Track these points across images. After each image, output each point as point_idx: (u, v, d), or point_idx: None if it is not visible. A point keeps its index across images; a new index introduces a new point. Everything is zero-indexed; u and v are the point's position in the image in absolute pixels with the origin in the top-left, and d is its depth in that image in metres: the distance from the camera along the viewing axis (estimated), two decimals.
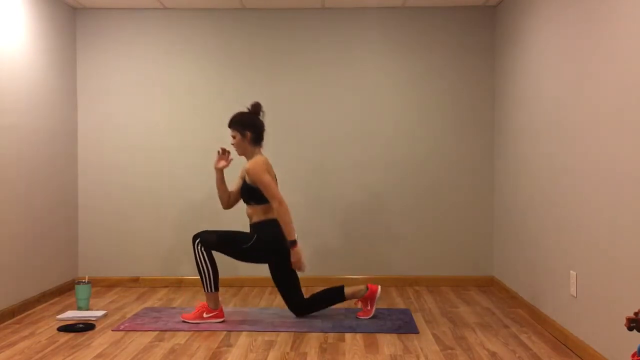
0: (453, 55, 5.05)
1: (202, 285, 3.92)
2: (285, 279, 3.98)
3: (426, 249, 5.09)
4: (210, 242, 3.88)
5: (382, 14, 5.06)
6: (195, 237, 3.89)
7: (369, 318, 3.99)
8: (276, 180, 4.02)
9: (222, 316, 3.93)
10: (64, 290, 4.82)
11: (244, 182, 3.93)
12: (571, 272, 3.36)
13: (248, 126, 3.94)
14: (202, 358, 3.22)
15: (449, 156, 5.07)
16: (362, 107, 5.08)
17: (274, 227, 3.92)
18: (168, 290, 4.96)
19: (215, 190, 4.99)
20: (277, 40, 5.08)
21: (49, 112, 4.61)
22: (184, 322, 3.89)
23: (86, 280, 4.36)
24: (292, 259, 3.85)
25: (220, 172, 4.05)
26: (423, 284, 5.07)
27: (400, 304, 4.45)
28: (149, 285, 5.08)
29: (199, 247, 3.87)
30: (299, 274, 4.57)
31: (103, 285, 5.07)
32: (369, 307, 4.02)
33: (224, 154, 4.07)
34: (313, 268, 5.08)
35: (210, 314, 3.89)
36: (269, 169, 3.91)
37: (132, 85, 5.08)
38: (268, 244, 3.91)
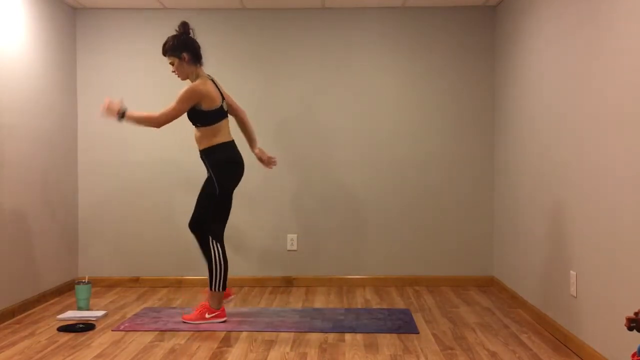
0: (453, 55, 5.06)
1: (209, 284, 3.86)
2: (220, 205, 3.89)
3: (426, 248, 5.09)
4: (215, 227, 3.86)
5: (382, 14, 5.06)
6: (204, 234, 3.86)
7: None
8: (224, 98, 3.90)
9: (224, 316, 3.92)
10: (64, 290, 4.82)
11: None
12: (571, 272, 3.36)
13: (182, 48, 3.81)
14: (202, 358, 3.22)
15: (449, 156, 5.07)
16: (361, 107, 5.08)
17: (222, 152, 3.85)
18: (168, 290, 4.96)
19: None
20: (277, 40, 5.08)
21: (49, 112, 4.61)
22: (185, 323, 3.88)
23: (86, 280, 4.36)
24: (108, 106, 3.70)
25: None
26: (423, 284, 5.07)
27: (400, 304, 4.45)
28: (149, 285, 5.08)
29: (214, 244, 3.84)
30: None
31: (103, 285, 5.07)
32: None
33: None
34: (313, 268, 5.08)
35: (213, 314, 3.87)
36: (207, 90, 3.76)
37: (132, 85, 5.08)
38: (222, 164, 3.84)
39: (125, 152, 5.10)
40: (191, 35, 3.90)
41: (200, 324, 3.85)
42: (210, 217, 3.89)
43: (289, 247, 5.08)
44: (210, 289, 3.88)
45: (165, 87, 5.08)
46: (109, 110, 3.72)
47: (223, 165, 3.86)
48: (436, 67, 5.06)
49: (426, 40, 5.06)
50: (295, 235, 5.08)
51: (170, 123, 5.09)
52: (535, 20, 4.00)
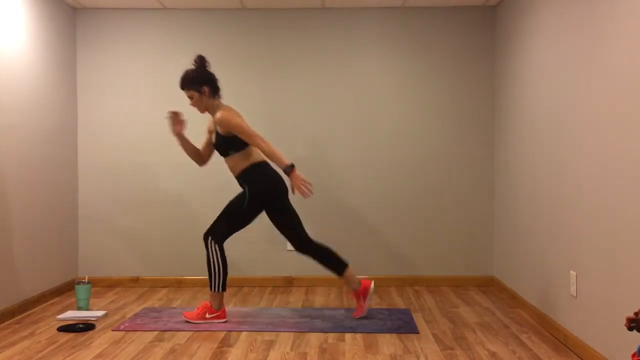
0: (453, 55, 5.06)
1: (209, 285, 3.88)
2: (287, 219, 3.92)
3: (426, 249, 5.09)
4: (222, 230, 3.85)
5: (382, 14, 5.06)
6: (206, 235, 3.87)
7: (366, 316, 3.97)
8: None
9: (225, 317, 3.92)
10: (64, 290, 4.82)
11: (217, 134, 3.85)
12: (571, 272, 3.36)
13: (202, 81, 3.84)
14: (202, 358, 3.22)
15: (449, 156, 5.07)
16: (361, 107, 5.08)
17: (261, 168, 3.88)
18: (168, 290, 4.96)
19: (216, 190, 5.00)
20: (277, 40, 5.08)
21: (49, 111, 4.61)
22: (186, 321, 3.88)
23: (86, 280, 4.36)
24: (294, 183, 3.68)
25: (179, 136, 3.96)
26: (423, 284, 5.07)
27: (400, 304, 4.45)
28: (149, 285, 5.08)
29: (212, 245, 3.85)
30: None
31: (103, 285, 5.07)
32: (361, 303, 3.99)
33: (176, 116, 3.94)
34: (313, 268, 5.08)
35: (213, 315, 3.88)
36: (238, 115, 3.85)
37: (132, 85, 5.09)
38: (262, 186, 3.84)
39: (125, 152, 5.10)
40: (208, 67, 3.93)
41: (200, 323, 3.85)
42: (223, 219, 3.89)
43: (289, 247, 5.08)
44: (210, 289, 3.89)
45: (165, 87, 5.08)
46: (299, 185, 3.69)
47: (265, 182, 3.86)
48: (436, 67, 5.06)
49: (426, 40, 5.06)
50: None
51: (169, 123, 5.11)
52: (535, 20, 4.00)
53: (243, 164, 3.88)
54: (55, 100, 4.71)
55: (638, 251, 2.63)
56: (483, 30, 5.05)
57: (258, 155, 3.93)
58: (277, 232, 5.08)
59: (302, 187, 3.69)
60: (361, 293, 4.00)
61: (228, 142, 3.84)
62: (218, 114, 3.79)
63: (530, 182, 4.07)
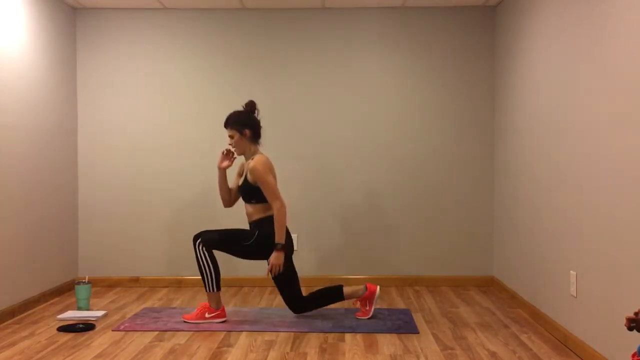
0: (453, 55, 5.05)
1: (203, 286, 3.91)
2: (285, 275, 3.97)
3: (426, 249, 5.09)
4: (212, 241, 3.87)
5: (382, 14, 5.06)
6: (196, 238, 3.89)
7: (368, 318, 3.99)
8: (276, 178, 4.01)
9: (224, 316, 3.93)
10: (64, 290, 4.82)
11: (246, 180, 3.91)
12: (571, 272, 3.36)
13: (246, 124, 3.94)
14: (202, 358, 3.22)
15: (449, 156, 5.07)
16: (361, 107, 5.08)
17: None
18: (168, 290, 4.96)
19: (216, 190, 4.99)
20: (277, 40, 5.08)
21: (49, 111, 4.61)
22: (185, 322, 3.88)
23: (86, 280, 4.36)
24: (273, 261, 3.81)
25: (223, 171, 4.04)
26: (423, 284, 5.07)
27: (400, 304, 4.45)
28: (149, 285, 5.08)
29: (200, 247, 3.86)
30: (298, 273, 4.55)
31: (103, 285, 5.07)
32: (367, 307, 4.01)
33: (227, 154, 4.05)
34: (313, 268, 5.08)
35: (212, 314, 3.89)
36: (271, 169, 3.91)
37: (132, 85, 5.08)
38: (270, 240, 3.89)
39: (125, 152, 5.09)
40: (255, 114, 4.00)
41: (200, 323, 3.85)
42: (220, 233, 3.90)
43: None
44: (205, 290, 3.91)
45: (165, 87, 5.09)
46: (278, 265, 3.81)
47: (272, 236, 3.86)
48: (436, 67, 5.06)
49: (426, 40, 5.06)
50: (295, 235, 5.08)
51: (170, 123, 5.11)
52: (535, 20, 4.00)
53: (260, 214, 3.93)
54: (55, 100, 4.71)
55: (638, 251, 2.63)
56: (483, 30, 5.04)
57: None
58: None
59: (276, 268, 3.81)
60: (367, 298, 4.02)
61: (254, 190, 3.88)
62: (252, 162, 3.84)
63: (530, 182, 4.07)
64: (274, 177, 3.95)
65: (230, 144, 3.97)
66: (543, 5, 3.84)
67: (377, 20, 5.06)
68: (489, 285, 5.05)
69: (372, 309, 4.01)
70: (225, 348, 3.39)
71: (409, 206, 5.08)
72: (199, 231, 3.96)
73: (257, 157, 3.90)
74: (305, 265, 5.08)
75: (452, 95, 5.06)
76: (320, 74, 5.07)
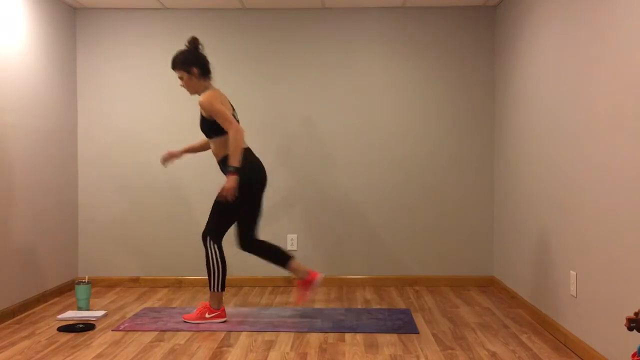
0: (453, 55, 5.05)
1: (208, 284, 3.88)
2: (251, 211, 3.88)
3: (426, 248, 5.09)
4: (219, 230, 3.85)
5: (382, 14, 5.06)
6: (205, 235, 3.86)
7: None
8: (234, 110, 3.94)
9: (225, 316, 3.92)
10: (64, 290, 4.82)
11: (202, 117, 3.86)
12: (571, 272, 3.36)
13: (192, 63, 3.83)
14: (202, 358, 3.22)
15: (449, 156, 5.07)
16: (361, 107, 5.08)
17: (245, 155, 3.83)
18: (168, 290, 4.96)
19: (215, 188, 5.00)
20: (277, 40, 5.08)
21: (49, 112, 4.61)
22: (185, 322, 3.88)
23: (86, 280, 4.36)
24: (225, 184, 3.68)
25: (178, 157, 4.10)
26: (423, 284, 5.07)
27: (400, 304, 4.45)
28: (149, 285, 5.08)
29: (211, 245, 3.84)
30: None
31: (103, 285, 5.07)
32: (305, 292, 4.01)
33: (169, 159, 4.11)
34: (313, 268, 5.08)
35: (213, 314, 3.88)
36: (222, 100, 3.82)
37: (132, 85, 5.08)
38: (245, 177, 3.79)
39: (125, 152, 5.10)
40: (200, 50, 3.92)
41: (200, 323, 3.85)
42: (216, 220, 3.88)
43: (289, 247, 5.08)
44: (210, 289, 3.89)
45: (165, 86, 5.08)
46: (230, 190, 3.70)
47: (247, 169, 3.81)
48: (436, 67, 5.06)
49: (426, 40, 5.06)
50: (295, 235, 5.08)
51: (170, 123, 5.11)
52: (535, 20, 4.00)
53: (225, 150, 3.85)
54: (55, 100, 4.71)
55: (638, 251, 2.63)
56: (483, 30, 5.04)
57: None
58: (278, 232, 5.08)
59: (229, 193, 3.70)
60: (307, 283, 4.01)
61: (210, 125, 3.82)
62: (201, 97, 3.79)
63: (531, 182, 4.07)
64: (229, 109, 3.86)
65: (181, 85, 3.91)
66: (543, 5, 3.84)
67: (377, 20, 5.06)
68: (489, 285, 5.05)
69: (309, 295, 4.01)
70: (225, 348, 3.39)
71: (409, 206, 5.08)
72: (204, 229, 3.91)
73: (206, 92, 3.83)
74: (305, 265, 5.07)
75: (452, 95, 5.06)
76: (320, 73, 5.07)
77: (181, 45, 5.05)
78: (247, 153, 3.88)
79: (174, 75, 5.06)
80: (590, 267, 3.11)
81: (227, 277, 5.03)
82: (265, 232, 5.07)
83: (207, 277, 3.93)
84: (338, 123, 5.08)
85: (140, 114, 5.10)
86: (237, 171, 3.73)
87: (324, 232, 5.09)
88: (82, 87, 5.10)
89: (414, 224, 5.09)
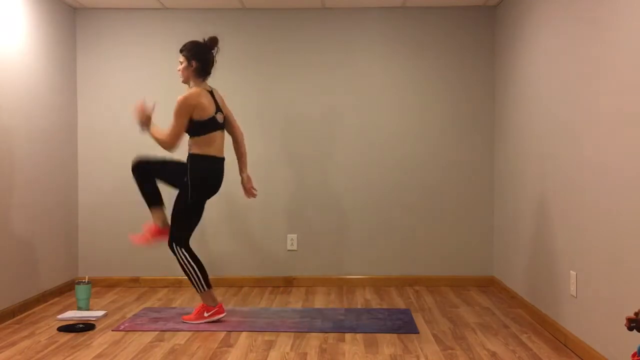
0: (453, 55, 5.05)
1: (194, 288, 3.89)
2: (188, 212, 3.91)
3: (426, 248, 5.09)
4: (183, 234, 3.87)
5: (382, 14, 5.06)
6: (170, 243, 3.89)
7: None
8: (219, 110, 3.89)
9: (223, 311, 3.92)
10: (64, 290, 4.81)
11: None
12: (571, 272, 3.35)
13: (196, 56, 3.83)
14: (202, 358, 3.22)
15: (449, 156, 5.07)
16: (361, 107, 5.08)
17: (206, 164, 3.85)
18: (168, 290, 4.96)
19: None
20: (277, 40, 5.08)
21: (49, 111, 4.61)
22: (185, 323, 3.88)
23: (86, 280, 4.36)
24: (139, 110, 3.79)
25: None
26: (423, 284, 5.07)
27: (400, 304, 4.45)
28: (149, 285, 5.08)
29: (178, 250, 3.88)
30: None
31: (103, 285, 5.07)
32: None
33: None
34: (313, 268, 5.08)
35: (211, 312, 3.88)
36: (196, 106, 3.75)
37: (132, 84, 5.08)
38: (195, 179, 3.83)
39: (125, 152, 5.09)
40: (213, 51, 3.91)
41: (199, 323, 3.85)
42: (176, 225, 3.89)
43: (289, 247, 5.08)
44: (197, 291, 3.90)
45: (165, 86, 5.08)
46: (139, 114, 3.79)
47: (200, 176, 3.85)
48: (436, 67, 5.06)
49: (426, 40, 5.06)
50: (295, 235, 5.08)
51: (169, 123, 5.10)
52: (535, 20, 4.00)
53: (198, 148, 3.84)
54: (55, 100, 4.71)
55: (638, 251, 2.63)
56: (483, 30, 5.04)
57: (216, 149, 3.88)
58: (278, 232, 5.08)
59: (141, 115, 3.80)
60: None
61: (188, 124, 3.81)
62: (181, 97, 3.78)
63: (531, 182, 4.07)
64: (203, 112, 3.78)
65: (178, 70, 3.91)
66: (543, 5, 3.84)
67: (377, 20, 5.06)
68: (489, 285, 5.05)
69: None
70: (225, 348, 3.39)
71: (408, 206, 5.08)
72: (169, 238, 3.92)
73: (189, 91, 3.82)
74: (305, 265, 5.08)
75: (452, 95, 5.06)
76: (320, 73, 5.07)
77: (181, 45, 5.05)
78: (209, 161, 3.87)
79: (174, 75, 5.06)
80: (590, 267, 3.11)
81: (228, 277, 5.03)
82: (265, 232, 5.07)
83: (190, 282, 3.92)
84: (338, 123, 5.08)
85: None
86: (144, 129, 3.83)
87: (324, 232, 5.09)
88: (82, 87, 5.10)
89: (414, 224, 5.08)
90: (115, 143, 5.09)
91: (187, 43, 3.90)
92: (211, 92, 3.91)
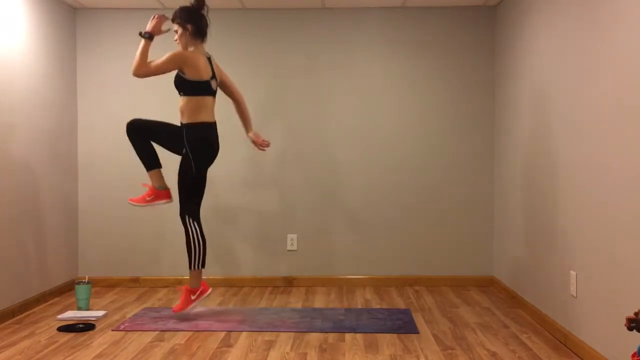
0: (453, 55, 5.05)
1: (189, 264, 3.90)
2: (195, 182, 3.94)
3: (426, 248, 5.09)
4: (194, 205, 3.92)
5: (382, 14, 5.06)
6: (182, 214, 3.92)
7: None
8: (214, 77, 3.95)
9: (208, 288, 3.98)
10: (64, 290, 4.81)
11: (178, 71, 3.93)
12: (571, 272, 3.36)
13: (189, 20, 3.89)
14: (202, 358, 3.22)
15: (449, 156, 5.07)
16: (361, 107, 5.08)
17: (202, 131, 3.90)
18: (168, 290, 4.96)
19: (216, 189, 4.99)
20: (277, 40, 5.08)
21: (49, 112, 4.61)
22: (175, 313, 3.92)
23: (86, 280, 4.36)
24: (156, 27, 3.90)
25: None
26: (423, 284, 5.07)
27: (400, 304, 4.45)
28: (149, 285, 5.08)
29: (191, 222, 3.90)
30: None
31: (103, 285, 5.07)
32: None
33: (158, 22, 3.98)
34: (313, 268, 5.08)
35: (197, 293, 3.93)
36: (185, 62, 3.83)
37: (132, 85, 5.08)
38: (195, 147, 3.88)
39: (125, 151, 5.09)
40: (203, 11, 3.95)
41: (192, 308, 3.90)
42: (185, 196, 3.93)
43: (289, 247, 5.08)
44: (190, 268, 3.91)
45: (164, 87, 5.08)
46: (155, 24, 3.88)
47: (199, 145, 3.91)
48: (436, 67, 5.06)
49: (426, 40, 5.06)
50: (295, 235, 5.08)
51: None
52: (535, 20, 4.00)
53: (191, 116, 3.89)
54: (55, 100, 4.71)
55: (638, 251, 2.63)
56: (483, 30, 5.04)
57: (208, 115, 3.92)
58: (278, 232, 5.08)
59: (155, 26, 3.88)
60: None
61: (178, 79, 3.91)
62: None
63: (531, 182, 4.07)
64: (197, 73, 3.85)
65: (175, 40, 3.95)
66: (543, 5, 3.84)
67: (377, 20, 5.06)
68: (489, 285, 5.05)
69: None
70: (225, 348, 3.39)
71: (409, 206, 5.08)
72: (180, 209, 3.96)
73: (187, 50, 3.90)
74: (305, 265, 5.08)
75: (452, 95, 5.06)
76: (320, 73, 5.07)
77: None
78: (203, 128, 3.91)
79: (173, 75, 5.06)
80: (590, 267, 3.11)
81: (228, 277, 5.03)
82: (265, 232, 5.07)
83: (187, 256, 3.92)
84: (338, 123, 5.08)
85: (140, 114, 5.08)
86: (146, 39, 3.91)
87: (324, 232, 5.09)
88: (82, 86, 5.10)
89: (414, 224, 5.08)
90: (115, 143, 5.09)
91: (176, 10, 3.94)
92: (209, 59, 3.98)
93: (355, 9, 5.05)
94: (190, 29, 3.90)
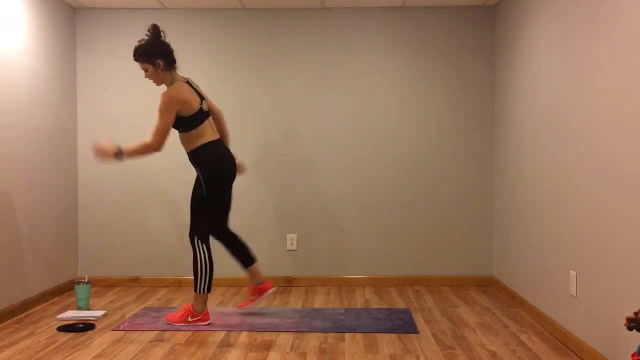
0: (453, 55, 5.05)
1: (194, 286, 3.79)
2: (217, 201, 3.85)
3: (426, 248, 5.09)
4: (205, 227, 3.82)
5: (382, 14, 5.06)
6: (192, 235, 3.81)
7: (247, 308, 4.08)
8: (202, 99, 3.80)
9: (208, 319, 3.83)
10: (64, 290, 4.81)
11: None
12: (571, 272, 3.36)
13: (157, 55, 3.67)
14: (202, 358, 3.22)
15: (449, 156, 5.07)
16: (361, 107, 5.08)
17: (208, 153, 3.78)
18: (168, 290, 4.96)
19: None
20: (277, 40, 5.08)
21: (49, 112, 4.61)
22: (168, 324, 3.83)
23: (86, 280, 4.36)
24: (100, 149, 3.62)
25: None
26: (423, 284, 5.07)
27: (400, 304, 4.45)
28: (149, 285, 5.08)
29: (199, 244, 3.77)
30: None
31: (103, 285, 5.07)
32: (254, 298, 4.06)
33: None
34: (313, 268, 5.08)
35: (196, 318, 3.79)
36: (184, 97, 3.65)
37: (132, 85, 5.08)
38: (211, 169, 3.78)
39: None
40: (163, 38, 3.76)
41: (182, 327, 3.77)
42: (197, 213, 3.83)
43: (289, 247, 5.08)
44: (195, 291, 3.79)
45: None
46: (102, 154, 3.64)
47: (211, 167, 3.79)
48: (436, 67, 5.06)
49: (426, 40, 5.06)
50: (295, 235, 5.08)
51: None
52: (535, 20, 4.00)
53: (194, 143, 3.77)
54: (55, 100, 4.71)
55: (638, 251, 2.63)
56: (483, 30, 5.04)
57: (210, 135, 3.80)
58: (278, 232, 5.08)
59: (98, 151, 3.63)
60: (259, 290, 4.06)
61: (178, 121, 3.72)
62: (163, 94, 3.65)
63: (530, 182, 4.07)
64: (190, 107, 3.68)
65: (146, 77, 3.75)
66: (543, 5, 3.84)
67: (377, 20, 5.06)
68: (489, 285, 5.05)
69: (256, 303, 4.08)
70: (225, 348, 3.39)
71: (408, 206, 5.08)
72: (190, 229, 3.86)
73: (171, 87, 3.70)
74: (305, 265, 5.08)
75: (452, 95, 5.06)
76: (320, 74, 5.07)
77: (181, 45, 5.05)
78: (213, 145, 3.80)
79: None
80: (590, 267, 3.11)
81: (228, 277, 5.03)
82: (265, 232, 5.07)
83: (193, 278, 3.86)
84: (338, 123, 5.08)
85: (140, 114, 5.09)
86: (120, 157, 3.62)
87: (323, 232, 5.09)
88: (82, 87, 5.10)
89: (414, 224, 5.09)
90: (115, 143, 5.09)
91: (136, 49, 3.71)
92: (188, 83, 3.81)
93: (355, 9, 5.05)
94: (161, 64, 3.69)
